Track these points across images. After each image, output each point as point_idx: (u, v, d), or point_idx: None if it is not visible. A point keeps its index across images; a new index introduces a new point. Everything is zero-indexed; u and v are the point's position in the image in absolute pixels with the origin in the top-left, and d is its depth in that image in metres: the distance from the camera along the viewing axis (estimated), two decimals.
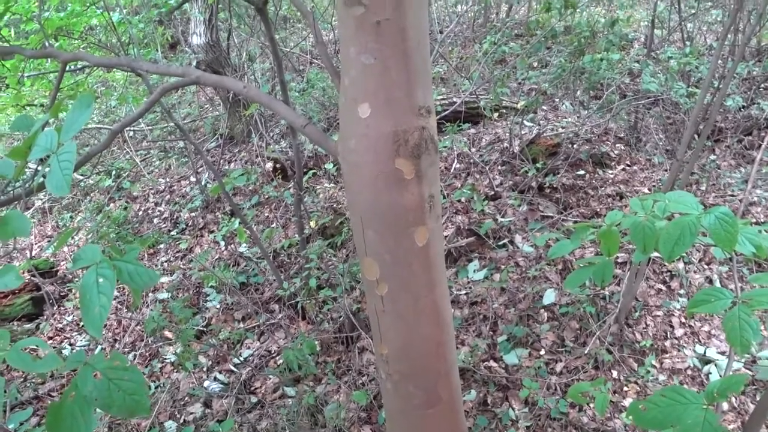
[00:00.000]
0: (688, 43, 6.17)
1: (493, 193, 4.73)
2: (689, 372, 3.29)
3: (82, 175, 6.51)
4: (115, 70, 6.36)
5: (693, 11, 6.61)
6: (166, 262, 5.04)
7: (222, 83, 1.66)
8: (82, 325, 4.45)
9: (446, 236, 4.30)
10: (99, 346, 4.22)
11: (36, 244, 5.73)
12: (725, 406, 3.08)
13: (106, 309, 0.97)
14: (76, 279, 5.13)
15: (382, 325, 1.49)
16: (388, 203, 1.36)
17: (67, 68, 4.77)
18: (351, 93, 1.34)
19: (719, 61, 4.79)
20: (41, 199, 6.31)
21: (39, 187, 1.23)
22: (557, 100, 6.08)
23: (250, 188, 5.59)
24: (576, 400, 1.90)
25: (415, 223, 1.38)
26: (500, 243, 4.27)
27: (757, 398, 3.13)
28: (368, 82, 1.30)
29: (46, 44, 3.65)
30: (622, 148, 5.26)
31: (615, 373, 3.32)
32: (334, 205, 4.92)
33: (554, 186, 4.67)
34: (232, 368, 3.80)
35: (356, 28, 1.28)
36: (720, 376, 3.27)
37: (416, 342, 1.49)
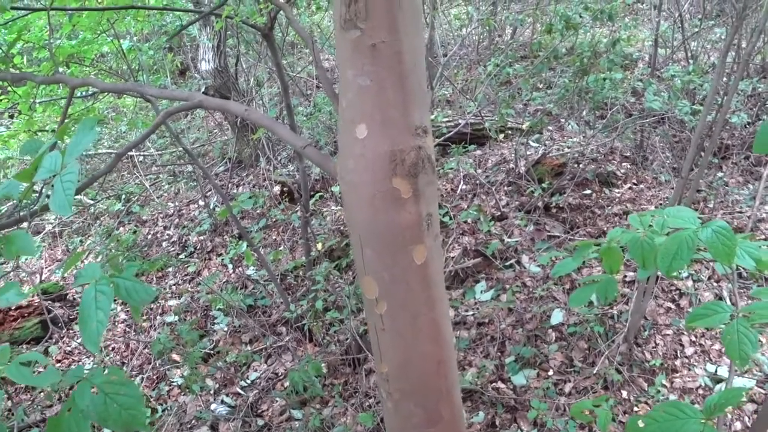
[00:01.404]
0: (691, 61, 6.20)
1: (499, 213, 4.74)
2: (700, 391, 3.24)
3: (92, 199, 6.59)
4: (125, 96, 6.48)
5: (696, 30, 6.64)
6: (174, 285, 5.07)
7: (225, 107, 1.70)
8: None
9: (453, 257, 4.30)
10: (106, 369, 4.23)
11: (46, 268, 5.78)
12: (738, 426, 3.03)
13: (103, 324, 0.99)
14: None
15: (382, 344, 1.50)
16: (386, 222, 1.37)
17: (78, 94, 4.87)
18: (348, 114, 1.37)
19: (724, 78, 4.80)
20: (51, 223, 6.38)
21: (43, 208, 1.26)
22: (563, 120, 6.10)
23: (258, 211, 5.63)
24: (579, 418, 1.88)
25: (413, 241, 1.39)
26: (507, 263, 4.26)
27: None
28: (365, 104, 1.33)
29: (59, 71, 3.73)
30: (629, 167, 5.26)
31: (625, 393, 3.28)
32: (341, 228, 4.94)
33: (560, 206, 4.67)
34: (239, 391, 3.80)
35: (353, 51, 1.30)
36: None
37: (416, 360, 1.49)
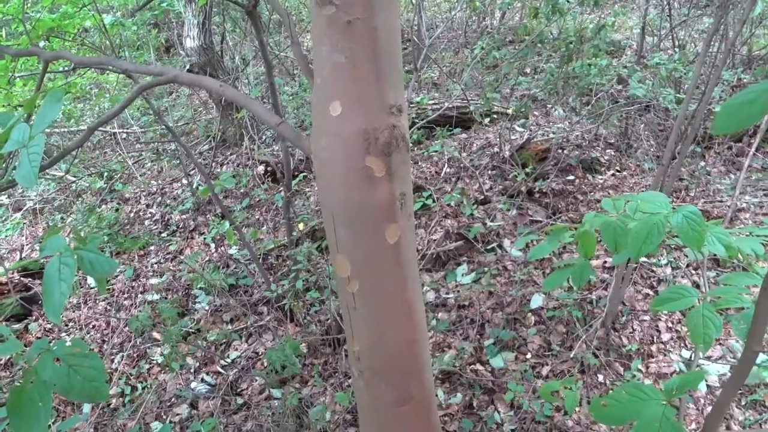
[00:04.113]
0: (677, 49, 6.21)
1: (482, 197, 4.75)
2: (675, 376, 3.29)
3: (74, 176, 6.52)
4: (107, 72, 6.38)
5: (684, 18, 6.65)
6: (156, 263, 5.04)
7: (199, 82, 1.68)
8: (70, 326, 4.45)
9: (435, 240, 4.31)
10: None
11: (27, 245, 5.72)
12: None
13: (65, 295, 0.99)
14: None
15: (354, 322, 1.50)
16: (359, 201, 1.37)
17: (60, 69, 4.79)
18: (323, 91, 1.36)
19: (709, 69, 4.82)
20: (32, 200, 6.31)
21: (9, 182, 1.24)
22: (549, 105, 6.10)
23: (241, 191, 5.60)
24: (547, 399, 1.90)
25: (386, 220, 1.39)
26: (489, 247, 4.28)
27: (743, 403, 3.14)
28: (339, 81, 1.31)
29: (38, 45, 3.66)
30: (613, 153, 5.29)
31: (601, 378, 3.32)
32: None
33: (544, 191, 4.69)
34: (220, 370, 3.80)
35: (327, 28, 1.29)
36: (705, 380, 3.28)
37: (387, 339, 1.50)
